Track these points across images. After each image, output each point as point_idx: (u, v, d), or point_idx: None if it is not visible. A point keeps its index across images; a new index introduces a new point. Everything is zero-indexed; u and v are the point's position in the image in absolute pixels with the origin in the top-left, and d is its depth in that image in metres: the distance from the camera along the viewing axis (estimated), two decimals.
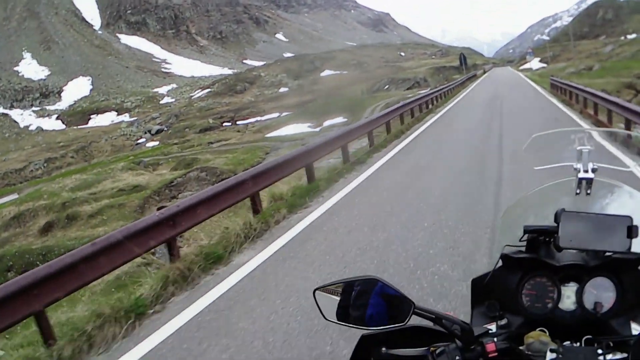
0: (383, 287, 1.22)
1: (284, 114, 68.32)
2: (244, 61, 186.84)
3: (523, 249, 1.42)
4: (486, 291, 1.46)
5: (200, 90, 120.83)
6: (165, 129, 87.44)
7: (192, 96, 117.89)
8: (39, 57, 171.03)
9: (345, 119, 43.50)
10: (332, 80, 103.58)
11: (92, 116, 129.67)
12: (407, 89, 69.51)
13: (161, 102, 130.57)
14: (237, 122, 75.51)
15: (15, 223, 24.47)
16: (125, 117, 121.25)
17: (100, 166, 45.68)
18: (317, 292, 1.26)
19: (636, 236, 1.29)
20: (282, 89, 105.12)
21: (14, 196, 38.58)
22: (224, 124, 76.58)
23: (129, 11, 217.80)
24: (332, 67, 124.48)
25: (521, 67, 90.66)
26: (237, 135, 58.95)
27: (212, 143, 56.48)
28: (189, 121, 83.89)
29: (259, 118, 72.36)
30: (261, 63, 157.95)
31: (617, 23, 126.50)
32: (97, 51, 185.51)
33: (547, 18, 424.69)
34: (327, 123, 44.59)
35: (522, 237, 1.41)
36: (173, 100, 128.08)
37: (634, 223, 1.29)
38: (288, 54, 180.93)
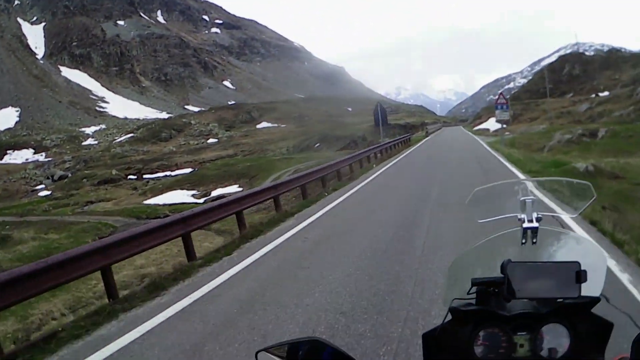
0: (327, 349, 1.22)
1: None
2: (185, 106, 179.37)
3: (473, 301, 1.43)
4: (438, 345, 1.45)
5: (126, 134, 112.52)
6: (70, 175, 79.35)
7: (114, 140, 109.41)
8: None
9: (241, 188, 37.54)
10: (264, 133, 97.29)
11: (8, 151, 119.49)
12: (341, 148, 63.40)
13: (83, 143, 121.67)
14: (144, 176, 67.91)
15: None
16: (41, 157, 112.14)
17: None
18: (259, 354, 1.26)
19: (585, 281, 1.32)
20: (211, 140, 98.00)
21: None
22: (129, 176, 68.78)
23: (74, 43, 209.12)
24: (270, 118, 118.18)
25: (476, 127, 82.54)
26: (127, 194, 51.44)
27: (91, 203, 48.81)
28: (94, 170, 75.69)
29: (169, 173, 65.22)
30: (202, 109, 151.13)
31: (585, 79, 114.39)
32: (34, 81, 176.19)
33: (500, 79, 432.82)
34: (216, 192, 38.19)
35: (470, 290, 1.43)
36: (96, 142, 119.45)
37: (582, 268, 1.33)
38: (232, 102, 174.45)
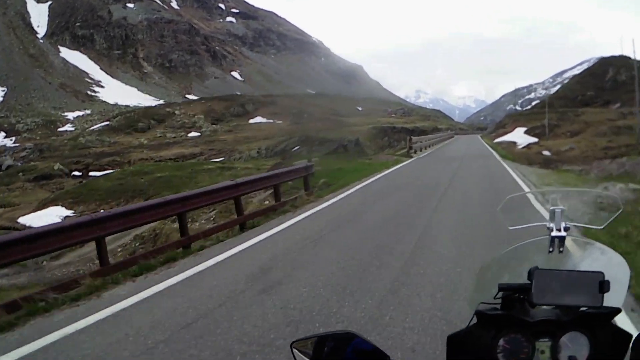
0: (358, 342, 1.25)
1: None
2: (187, 96, 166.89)
3: (498, 306, 1.46)
4: (462, 347, 1.47)
5: (104, 122, 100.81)
6: (20, 164, 68.29)
7: (89, 128, 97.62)
8: None
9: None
10: (252, 129, 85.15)
11: None
12: (326, 153, 51.12)
13: (60, 129, 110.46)
14: (90, 173, 56.32)
15: None
16: (10, 141, 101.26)
17: None
18: (294, 344, 1.32)
19: (608, 291, 1.35)
20: (192, 134, 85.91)
21: None
22: (74, 172, 57.19)
23: (78, 24, 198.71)
24: (266, 113, 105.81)
25: (499, 139, 65.56)
26: (37, 200, 39.27)
27: None
28: (44, 161, 64.28)
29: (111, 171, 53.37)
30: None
31: (634, 87, 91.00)
32: (28, 61, 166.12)
33: (521, 89, 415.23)
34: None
35: (496, 295, 1.46)
36: (73, 128, 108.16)
37: (606, 278, 1.36)
38: (228, 94, 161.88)
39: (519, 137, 63.38)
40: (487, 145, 53.04)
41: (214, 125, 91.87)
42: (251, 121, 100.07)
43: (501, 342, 1.40)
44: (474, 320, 1.43)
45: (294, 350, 1.28)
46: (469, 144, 56.49)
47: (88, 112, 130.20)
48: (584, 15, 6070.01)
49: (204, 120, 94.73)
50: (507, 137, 65.80)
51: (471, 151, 41.52)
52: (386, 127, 74.40)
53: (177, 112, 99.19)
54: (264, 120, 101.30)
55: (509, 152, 44.53)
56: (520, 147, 56.61)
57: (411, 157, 34.33)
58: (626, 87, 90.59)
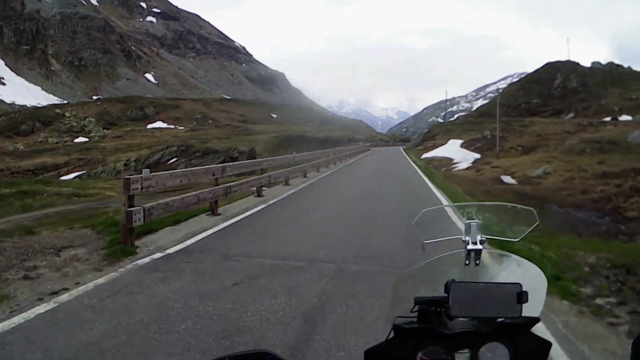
0: None
1: None
2: (94, 97, 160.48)
3: (415, 319, 1.45)
4: None
5: None
6: None
7: None
8: None
9: None
10: (143, 136, 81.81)
11: None
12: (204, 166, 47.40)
13: None
14: None
15: None
16: None
17: None
18: None
19: (526, 301, 1.37)
20: (79, 139, 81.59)
21: None
22: None
23: None
24: (167, 118, 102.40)
25: (428, 154, 54.93)
26: None
27: None
28: None
29: None
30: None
31: (587, 96, 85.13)
32: None
33: (443, 101, 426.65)
34: None
35: (413, 308, 1.45)
36: None
37: (523, 289, 1.37)
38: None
39: (455, 152, 54.16)
40: (413, 164, 38.55)
41: (105, 130, 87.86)
42: (150, 126, 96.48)
43: (420, 355, 1.39)
44: (392, 335, 1.41)
45: None
46: (387, 162, 41.41)
47: None
48: (509, 32, 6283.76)
49: (95, 124, 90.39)
50: (439, 152, 55.99)
51: (388, 178, 25.34)
52: (293, 136, 71.38)
53: (67, 114, 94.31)
54: (164, 125, 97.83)
55: (450, 178, 30.01)
56: (461, 166, 45.75)
57: (261, 196, 16.14)
58: (578, 95, 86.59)
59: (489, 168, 41.50)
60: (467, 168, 43.95)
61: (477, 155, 50.77)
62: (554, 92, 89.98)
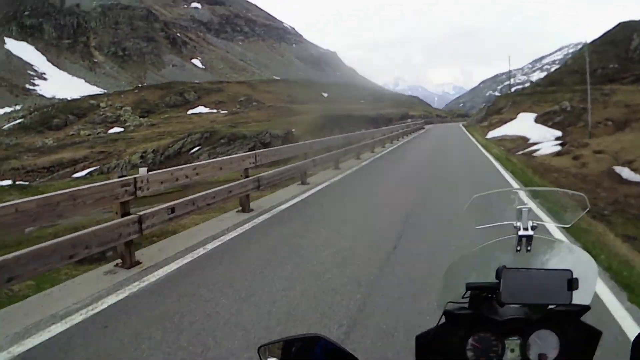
0: (325, 345, 1.25)
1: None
2: (140, 85, 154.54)
3: (466, 305, 1.46)
4: (431, 347, 1.48)
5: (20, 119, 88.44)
6: None
7: (4, 126, 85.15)
8: None
9: None
10: (181, 122, 73.54)
11: None
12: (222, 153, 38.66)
13: None
14: None
15: None
16: None
17: None
18: (261, 349, 1.29)
19: (576, 288, 1.36)
20: (114, 129, 73.94)
21: None
22: None
23: (26, 12, 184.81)
24: (210, 102, 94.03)
25: (494, 133, 45.67)
26: None
27: None
28: None
29: None
30: None
31: None
32: None
33: (500, 75, 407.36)
34: None
35: (464, 294, 1.45)
36: None
37: (574, 276, 1.37)
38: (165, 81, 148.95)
39: (530, 128, 44.23)
40: (483, 151, 26.16)
41: (142, 119, 79.90)
42: (191, 112, 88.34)
43: (470, 341, 1.40)
44: (443, 320, 1.42)
45: (262, 354, 1.26)
46: (444, 147, 30.04)
47: (18, 107, 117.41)
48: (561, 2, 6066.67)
49: (132, 112, 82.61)
50: (509, 129, 46.20)
51: (445, 176, 15.82)
52: (340, 115, 61.10)
53: (102, 104, 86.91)
54: (206, 110, 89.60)
55: (540, 172, 19.79)
56: (544, 150, 33.54)
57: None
58: None
59: (589, 153, 28.87)
60: (557, 153, 31.27)
61: (558, 133, 41.43)
62: (631, 55, 75.22)
